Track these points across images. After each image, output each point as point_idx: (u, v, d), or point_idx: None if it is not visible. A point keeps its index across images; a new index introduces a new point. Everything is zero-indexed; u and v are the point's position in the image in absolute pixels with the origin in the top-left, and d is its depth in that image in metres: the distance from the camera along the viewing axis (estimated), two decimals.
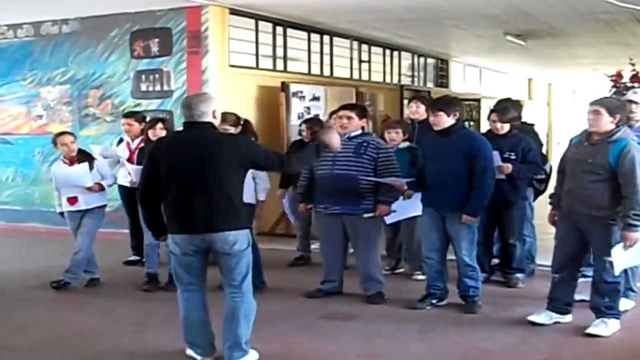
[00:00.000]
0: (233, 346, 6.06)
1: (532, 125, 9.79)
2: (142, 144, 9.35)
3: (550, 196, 7.34)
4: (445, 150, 7.58)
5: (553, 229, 7.25)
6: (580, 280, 7.34)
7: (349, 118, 8.04)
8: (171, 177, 5.97)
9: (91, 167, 8.87)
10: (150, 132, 8.72)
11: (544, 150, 10.02)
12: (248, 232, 6.14)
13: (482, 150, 7.59)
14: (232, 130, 8.20)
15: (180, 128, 6.33)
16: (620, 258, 6.58)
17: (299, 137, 10.59)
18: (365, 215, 7.98)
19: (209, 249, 6.02)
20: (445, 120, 7.61)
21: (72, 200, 8.91)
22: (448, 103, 7.82)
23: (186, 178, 5.92)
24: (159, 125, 8.71)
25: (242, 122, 8.61)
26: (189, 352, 6.30)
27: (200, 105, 6.04)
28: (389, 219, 8.70)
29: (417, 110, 9.81)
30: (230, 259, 6.00)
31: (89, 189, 8.81)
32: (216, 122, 6.16)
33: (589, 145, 6.73)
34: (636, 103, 7.75)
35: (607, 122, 6.60)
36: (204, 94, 6.39)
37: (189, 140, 6.07)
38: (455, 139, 7.59)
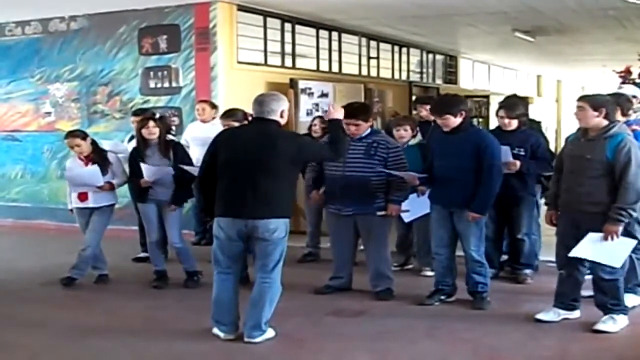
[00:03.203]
0: (254, 326, 6.55)
1: (539, 122, 9.78)
2: None
3: (546, 196, 7.36)
4: (454, 147, 7.57)
5: (551, 226, 7.29)
6: (590, 277, 7.34)
7: (357, 125, 7.99)
8: (228, 164, 6.50)
9: (106, 170, 8.82)
10: (144, 132, 8.63)
11: (552, 147, 10.01)
12: (288, 221, 6.57)
13: (490, 148, 7.57)
14: (237, 124, 8.26)
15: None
16: (588, 246, 6.65)
17: (306, 132, 10.53)
18: (379, 213, 7.99)
19: (249, 235, 6.47)
20: (454, 121, 7.60)
21: (83, 197, 8.90)
22: (453, 104, 7.73)
23: (240, 166, 6.44)
24: (151, 123, 8.63)
25: (248, 118, 8.59)
26: (215, 330, 6.70)
27: (271, 103, 6.57)
28: (406, 218, 8.73)
29: (428, 114, 9.83)
30: (268, 245, 6.48)
31: (100, 187, 8.80)
32: (282, 121, 6.66)
33: (585, 142, 6.79)
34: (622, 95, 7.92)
35: (592, 117, 6.69)
36: (276, 93, 6.81)
37: (250, 133, 6.65)
38: (463, 136, 7.59)
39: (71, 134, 9.03)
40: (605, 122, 6.67)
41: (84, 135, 8.96)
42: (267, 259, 6.51)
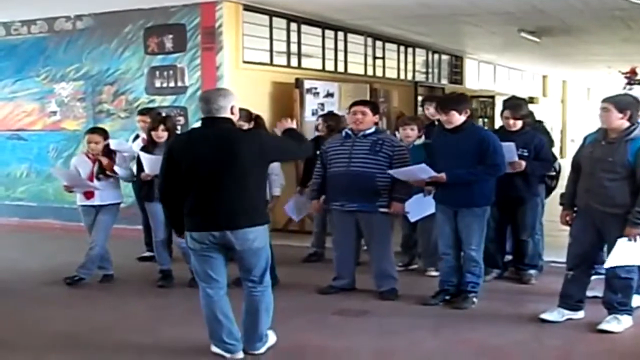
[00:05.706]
0: (255, 339, 6.22)
1: (542, 122, 9.78)
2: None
3: (561, 196, 7.33)
4: (456, 146, 7.58)
5: (565, 226, 7.23)
6: (594, 277, 7.34)
7: (363, 113, 8.04)
8: (192, 174, 5.92)
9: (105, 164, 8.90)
10: (153, 134, 8.72)
11: (557, 147, 10.02)
12: (267, 227, 6.14)
13: (493, 148, 7.57)
14: (245, 126, 8.17)
15: (196, 124, 6.19)
16: (620, 253, 6.60)
17: (316, 134, 10.52)
18: (381, 210, 7.98)
19: (228, 245, 5.96)
20: (458, 119, 7.61)
21: (89, 194, 8.94)
22: (459, 101, 7.77)
23: (208, 175, 5.90)
24: (161, 127, 8.68)
25: (254, 118, 8.60)
26: (215, 349, 6.23)
27: (218, 99, 5.98)
28: (412, 217, 8.72)
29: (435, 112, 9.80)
30: (251, 255, 6.02)
31: (105, 171, 8.88)
32: (235, 118, 6.11)
33: (606, 144, 6.71)
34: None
35: (616, 119, 6.63)
36: (222, 88, 6.22)
37: (208, 137, 6.00)
38: (465, 135, 7.60)
39: (95, 131, 9.23)
40: (627, 124, 6.63)
41: (106, 136, 9.12)
42: (252, 271, 6.09)
